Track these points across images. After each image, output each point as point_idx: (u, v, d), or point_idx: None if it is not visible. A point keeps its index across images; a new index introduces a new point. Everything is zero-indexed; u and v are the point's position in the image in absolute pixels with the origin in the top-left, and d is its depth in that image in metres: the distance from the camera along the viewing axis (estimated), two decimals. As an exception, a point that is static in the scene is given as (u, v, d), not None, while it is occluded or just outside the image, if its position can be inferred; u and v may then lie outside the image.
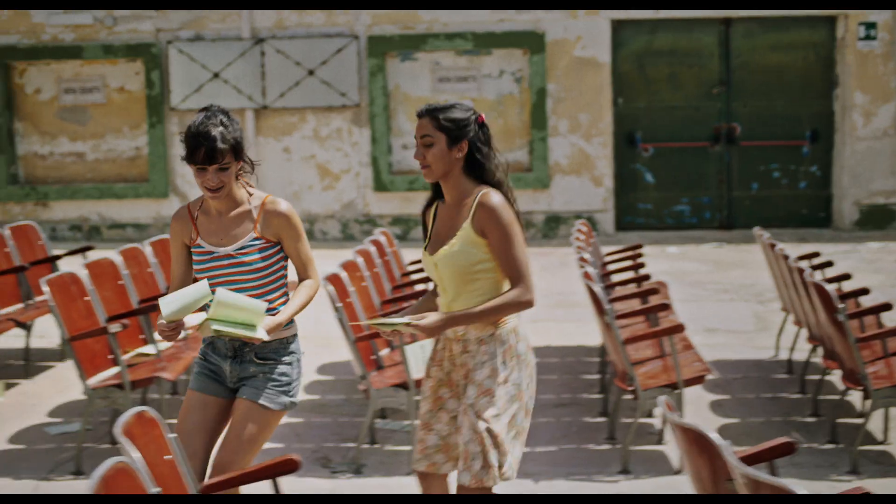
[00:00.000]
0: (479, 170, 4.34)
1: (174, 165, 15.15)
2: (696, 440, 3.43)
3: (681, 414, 6.08)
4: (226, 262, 4.42)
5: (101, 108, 15.34)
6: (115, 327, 6.05)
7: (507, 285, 4.32)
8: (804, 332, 7.81)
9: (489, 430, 4.20)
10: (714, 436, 3.32)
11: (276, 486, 3.70)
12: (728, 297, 11.16)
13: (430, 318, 4.20)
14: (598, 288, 6.02)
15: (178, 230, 4.52)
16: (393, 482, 6.07)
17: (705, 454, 3.40)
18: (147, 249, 7.70)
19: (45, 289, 6.05)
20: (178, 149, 14.91)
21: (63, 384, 8.02)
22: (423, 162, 4.36)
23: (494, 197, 4.29)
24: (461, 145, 4.31)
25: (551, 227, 15.01)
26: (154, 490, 3.20)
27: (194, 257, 4.49)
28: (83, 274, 6.59)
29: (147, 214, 15.28)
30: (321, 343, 9.32)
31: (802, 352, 8.27)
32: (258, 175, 4.69)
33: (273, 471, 3.66)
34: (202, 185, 4.39)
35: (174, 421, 4.55)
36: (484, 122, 4.38)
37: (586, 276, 6.31)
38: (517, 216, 4.34)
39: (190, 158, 4.36)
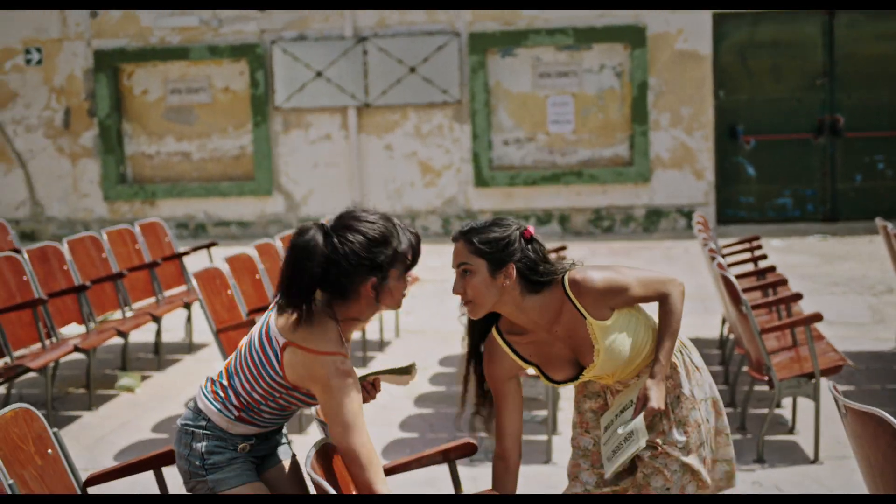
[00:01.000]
0: (540, 285, 3.73)
1: (278, 164, 15.41)
2: (871, 424, 3.48)
3: (819, 402, 6.11)
4: None
5: (207, 107, 15.64)
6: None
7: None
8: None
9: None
10: (892, 419, 3.38)
11: (453, 468, 3.81)
12: (840, 289, 11.10)
13: (652, 391, 3.77)
14: (733, 278, 6.06)
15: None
16: (530, 470, 6.17)
17: (882, 438, 3.44)
18: (277, 244, 7.89)
19: (194, 282, 6.24)
20: (282, 147, 15.24)
21: (195, 376, 8.25)
22: (463, 296, 3.68)
23: (578, 276, 3.73)
24: (507, 270, 3.66)
25: (652, 221, 15.01)
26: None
27: None
28: (224, 268, 6.78)
29: (251, 212, 15.55)
30: (439, 337, 9.46)
31: (926, 343, 8.24)
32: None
33: (453, 454, 3.79)
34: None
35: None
36: (532, 237, 3.73)
37: (719, 266, 6.36)
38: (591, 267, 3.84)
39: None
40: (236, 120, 15.60)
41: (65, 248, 8.04)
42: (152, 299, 8.72)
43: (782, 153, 15.05)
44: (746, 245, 9.12)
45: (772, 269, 7.77)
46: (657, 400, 3.74)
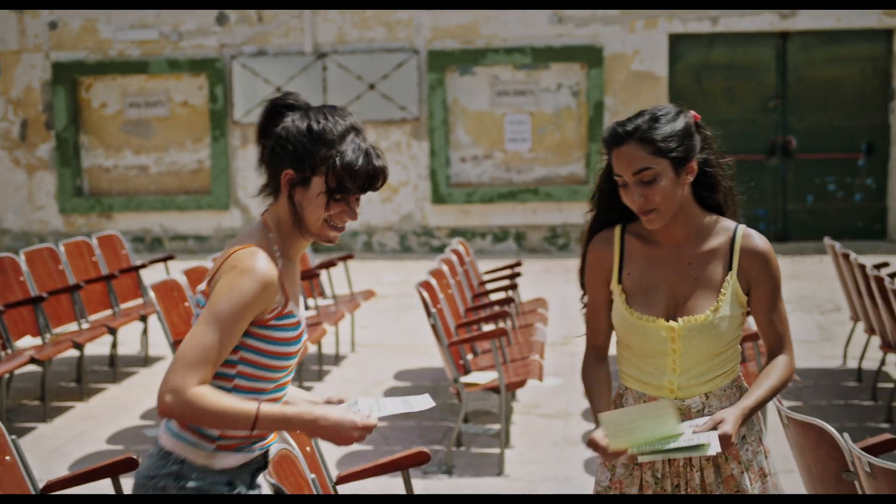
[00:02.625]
0: (710, 189, 3.29)
1: (236, 178, 15.44)
2: (812, 434, 3.60)
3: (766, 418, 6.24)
4: None
5: (165, 121, 15.65)
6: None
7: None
8: (874, 341, 7.94)
9: None
10: (832, 428, 3.49)
11: (406, 477, 3.89)
12: (789, 308, 11.26)
13: (727, 422, 3.09)
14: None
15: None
16: (483, 483, 6.25)
17: (822, 447, 3.56)
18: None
19: (151, 294, 6.28)
20: (240, 162, 15.28)
21: (150, 389, 8.27)
22: (646, 206, 3.14)
23: (760, 239, 3.27)
24: (690, 167, 3.18)
25: (608, 239, 15.16)
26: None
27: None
28: (182, 280, 6.83)
29: (208, 226, 15.56)
30: (395, 352, 9.54)
31: (872, 361, 8.41)
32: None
33: (406, 463, 3.86)
34: None
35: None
36: (700, 122, 3.26)
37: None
38: None
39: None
40: (194, 134, 15.62)
41: (21, 260, 8.05)
42: (109, 312, 8.74)
43: (735, 173, 15.21)
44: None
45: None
46: (732, 426, 3.07)
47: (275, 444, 3.10)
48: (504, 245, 15.23)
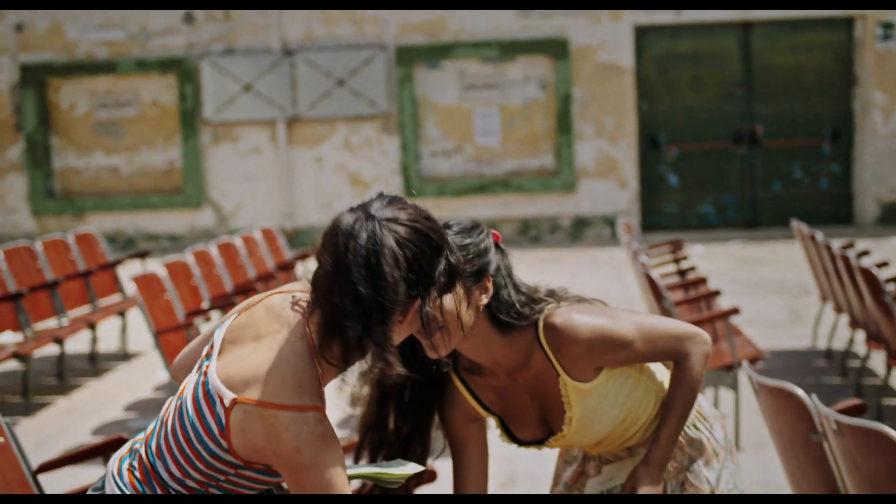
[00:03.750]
0: (510, 321, 2.81)
1: (207, 177, 15.50)
2: (781, 397, 3.74)
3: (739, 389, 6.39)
4: None
5: (135, 122, 15.68)
6: (197, 321, 6.38)
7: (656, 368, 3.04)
8: (843, 320, 8.11)
9: None
10: (800, 391, 3.63)
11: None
12: (760, 292, 11.46)
13: (643, 483, 2.90)
14: (656, 276, 6.33)
15: None
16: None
17: (791, 410, 3.70)
18: (213, 251, 8.03)
19: (132, 286, 6.37)
20: (211, 160, 15.33)
21: (130, 383, 8.35)
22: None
23: (557, 321, 2.80)
24: (484, 285, 2.74)
25: (578, 230, 15.32)
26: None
27: None
28: (162, 273, 6.92)
29: (181, 225, 15.61)
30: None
31: (840, 340, 8.59)
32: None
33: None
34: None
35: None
36: (499, 242, 2.84)
37: (643, 265, 6.62)
38: (586, 301, 2.96)
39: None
40: (165, 133, 15.66)
41: (0, 258, 8.10)
42: (87, 308, 8.81)
43: (703, 162, 15.45)
44: (669, 248, 9.43)
45: (692, 269, 8.06)
46: (651, 488, 2.89)
47: None
48: (476, 237, 15.33)
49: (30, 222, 15.66)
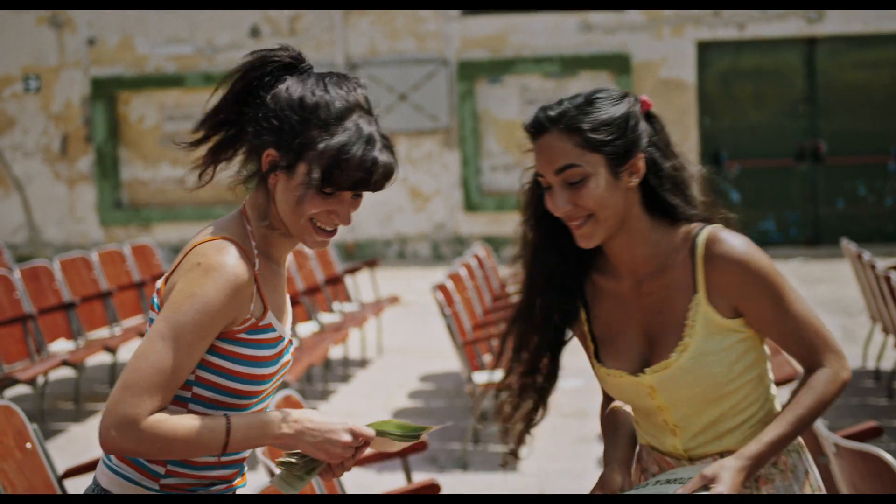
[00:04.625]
0: (668, 195, 2.46)
1: (271, 189, 15.71)
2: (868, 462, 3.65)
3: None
4: None
5: (202, 134, 15.93)
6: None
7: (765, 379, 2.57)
8: (891, 341, 8.02)
9: None
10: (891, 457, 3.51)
11: (405, 464, 4.07)
12: (816, 310, 11.31)
13: (722, 481, 2.34)
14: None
15: None
16: (496, 478, 6.42)
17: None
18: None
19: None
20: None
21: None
22: (574, 214, 2.41)
23: (730, 242, 2.45)
24: (633, 164, 2.42)
25: (638, 245, 15.29)
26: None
27: None
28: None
29: (245, 236, 15.82)
30: (420, 356, 9.73)
31: (889, 361, 8.50)
32: None
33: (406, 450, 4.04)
34: None
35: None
36: (651, 111, 2.49)
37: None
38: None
39: None
40: (230, 146, 15.88)
41: (56, 267, 8.32)
42: (139, 318, 9.00)
43: (765, 178, 15.34)
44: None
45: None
46: (728, 487, 2.34)
47: (242, 487, 2.42)
48: (535, 252, 15.37)
49: (98, 232, 15.99)
